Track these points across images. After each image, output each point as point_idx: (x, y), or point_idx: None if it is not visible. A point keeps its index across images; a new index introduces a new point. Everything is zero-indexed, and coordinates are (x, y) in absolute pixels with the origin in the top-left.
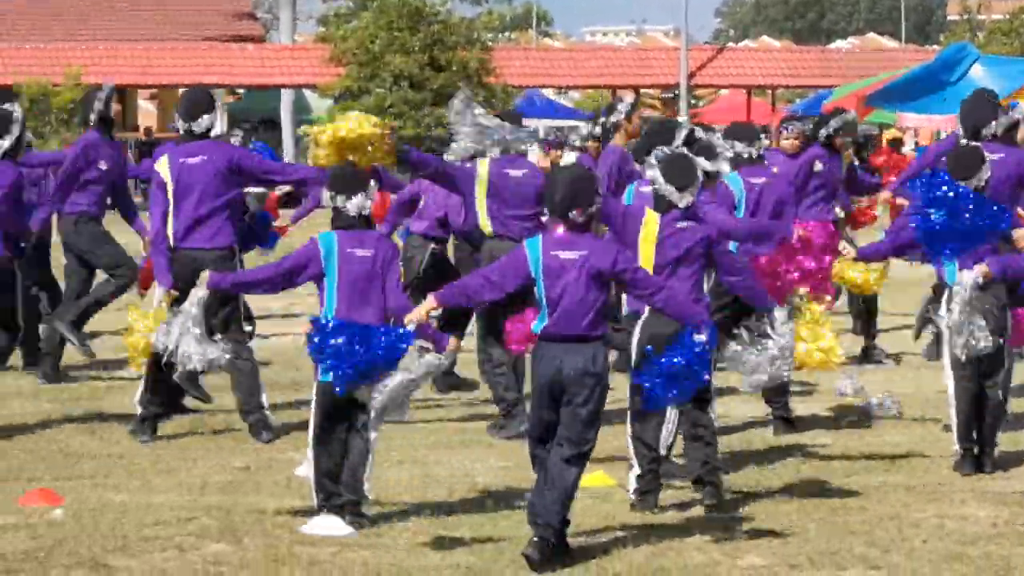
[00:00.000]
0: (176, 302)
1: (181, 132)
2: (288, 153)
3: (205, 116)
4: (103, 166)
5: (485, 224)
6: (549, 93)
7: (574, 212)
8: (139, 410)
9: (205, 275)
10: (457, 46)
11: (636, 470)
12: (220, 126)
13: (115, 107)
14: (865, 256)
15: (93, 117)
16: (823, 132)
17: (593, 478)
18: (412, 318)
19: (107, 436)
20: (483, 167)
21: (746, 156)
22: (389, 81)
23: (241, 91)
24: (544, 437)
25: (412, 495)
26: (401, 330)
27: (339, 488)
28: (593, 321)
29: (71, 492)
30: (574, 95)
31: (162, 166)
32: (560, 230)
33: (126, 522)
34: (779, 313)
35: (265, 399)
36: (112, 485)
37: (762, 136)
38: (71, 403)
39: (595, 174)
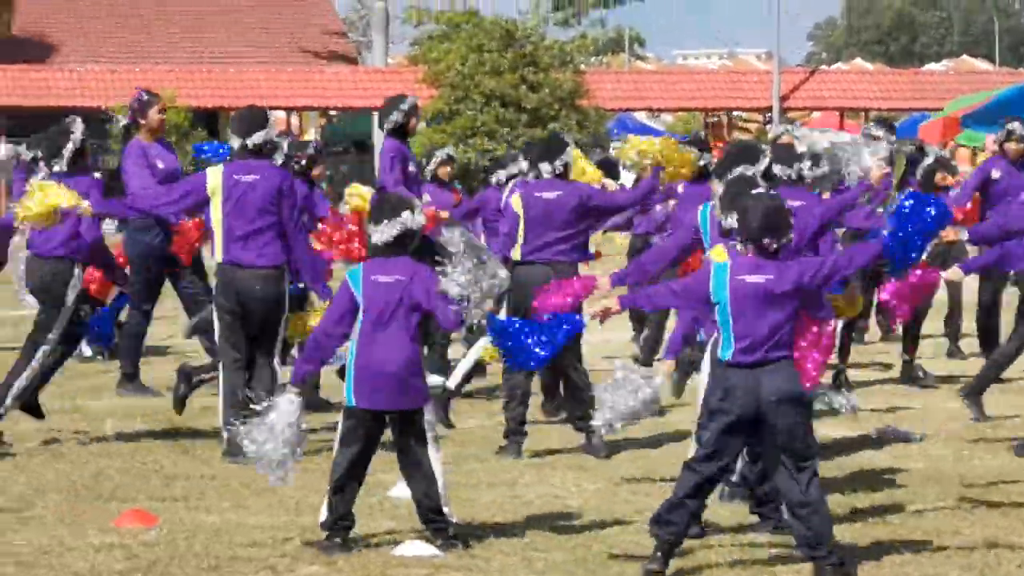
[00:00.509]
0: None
1: (236, 148)
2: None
3: (259, 132)
4: None
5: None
6: (641, 116)
7: (767, 240)
8: (224, 433)
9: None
10: (550, 67)
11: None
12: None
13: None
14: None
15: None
16: None
17: None
18: (595, 312)
19: (201, 456)
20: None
21: (784, 178)
22: (480, 102)
23: (334, 113)
24: (726, 466)
25: (504, 516)
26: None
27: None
28: (782, 342)
29: (165, 513)
30: (666, 118)
31: (214, 175)
32: (748, 255)
33: (219, 543)
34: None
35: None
36: (205, 506)
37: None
38: (165, 423)
39: (788, 206)
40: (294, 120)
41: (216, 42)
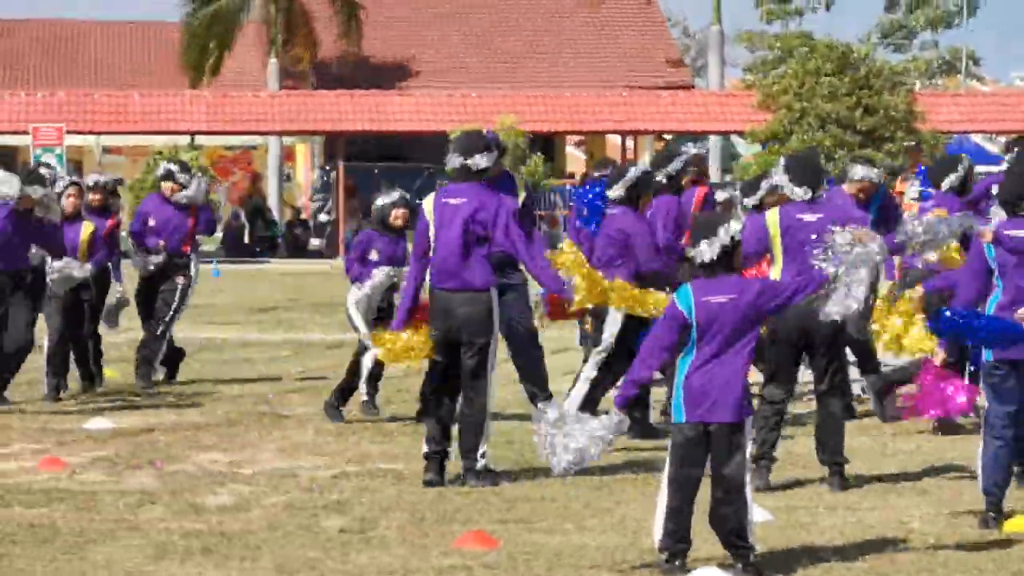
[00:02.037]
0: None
1: (456, 167)
2: None
3: (483, 155)
4: None
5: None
6: (978, 139)
7: None
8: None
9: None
10: (883, 90)
11: None
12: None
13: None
14: None
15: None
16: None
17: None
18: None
19: (541, 479)
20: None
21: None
22: (816, 125)
23: (669, 137)
24: None
25: (845, 539)
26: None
27: (689, 534)
28: None
29: (506, 534)
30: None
31: (427, 205)
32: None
33: (560, 565)
34: None
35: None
36: (546, 528)
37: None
38: (505, 447)
39: None
40: (629, 144)
41: (553, 67)
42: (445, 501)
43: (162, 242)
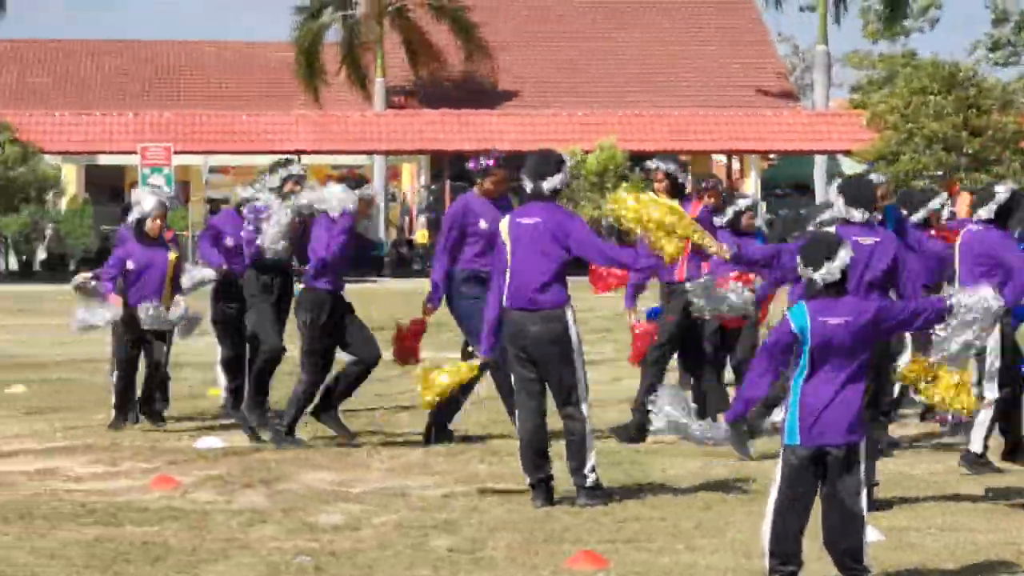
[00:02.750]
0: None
1: (528, 191)
2: None
3: (555, 176)
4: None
5: None
6: None
7: None
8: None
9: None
10: (992, 110)
11: None
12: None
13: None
14: None
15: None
16: None
17: None
18: None
19: (650, 499)
20: None
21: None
22: (923, 144)
23: (773, 157)
24: None
25: (955, 561)
26: None
27: (800, 555)
28: None
29: (616, 555)
30: None
31: (504, 226)
32: None
33: None
34: None
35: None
36: (657, 548)
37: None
38: (613, 467)
39: None
40: (735, 164)
41: (658, 87)
42: (554, 520)
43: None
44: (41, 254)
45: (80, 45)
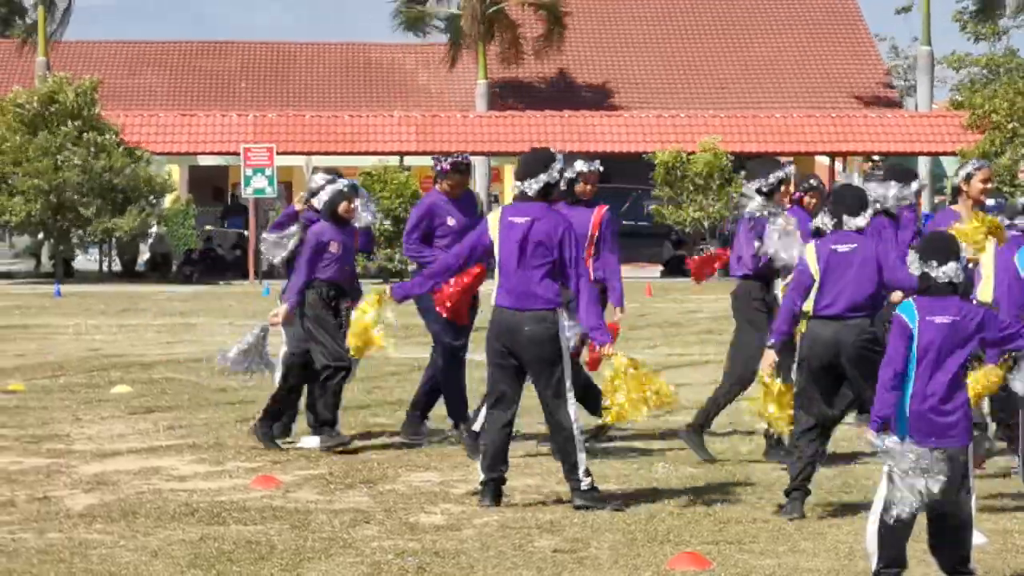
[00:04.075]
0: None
1: (516, 192)
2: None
3: (540, 176)
4: None
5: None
6: None
7: None
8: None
9: None
10: None
11: None
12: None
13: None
14: None
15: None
16: None
17: None
18: None
19: (752, 501)
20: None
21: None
22: None
23: (877, 158)
24: None
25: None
26: None
27: (905, 557)
28: None
29: (719, 556)
30: None
31: (493, 221)
32: None
33: None
34: None
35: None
36: (759, 550)
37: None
38: (717, 468)
39: None
40: (838, 165)
41: (761, 88)
42: (657, 522)
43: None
44: (144, 254)
45: (184, 46)
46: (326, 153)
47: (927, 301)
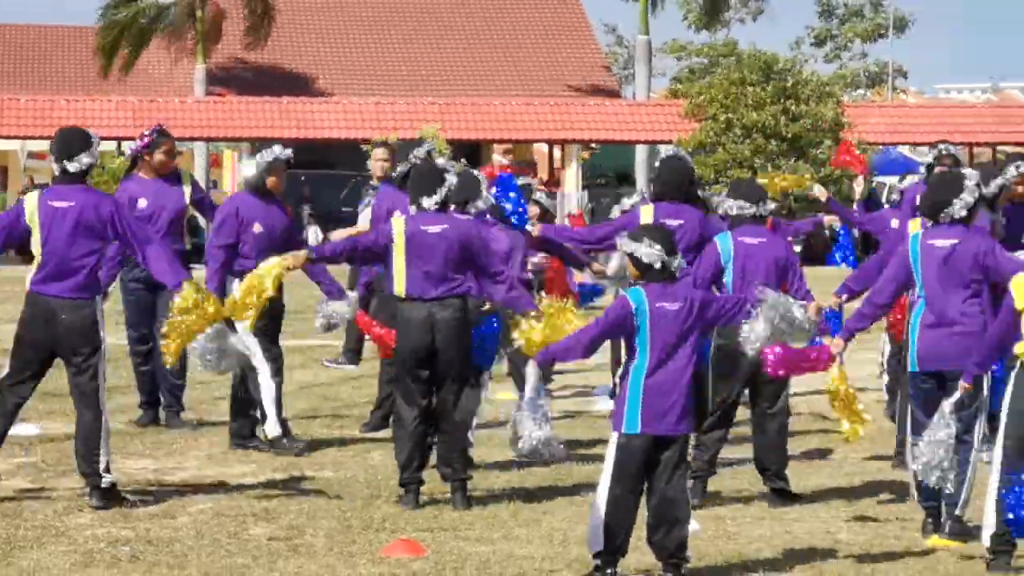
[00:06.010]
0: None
1: (56, 172)
2: None
3: (81, 155)
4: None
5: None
6: (904, 150)
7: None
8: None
9: None
10: (810, 99)
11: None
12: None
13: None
14: None
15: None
16: None
17: None
18: None
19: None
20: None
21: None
22: (742, 134)
23: (595, 146)
24: None
25: (773, 550)
26: None
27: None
28: None
29: (433, 543)
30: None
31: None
32: None
33: (488, 573)
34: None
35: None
36: (475, 537)
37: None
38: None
39: None
40: (556, 152)
41: (481, 76)
42: (373, 509)
43: None
44: None
45: None
46: (41, 138)
47: (655, 288)
